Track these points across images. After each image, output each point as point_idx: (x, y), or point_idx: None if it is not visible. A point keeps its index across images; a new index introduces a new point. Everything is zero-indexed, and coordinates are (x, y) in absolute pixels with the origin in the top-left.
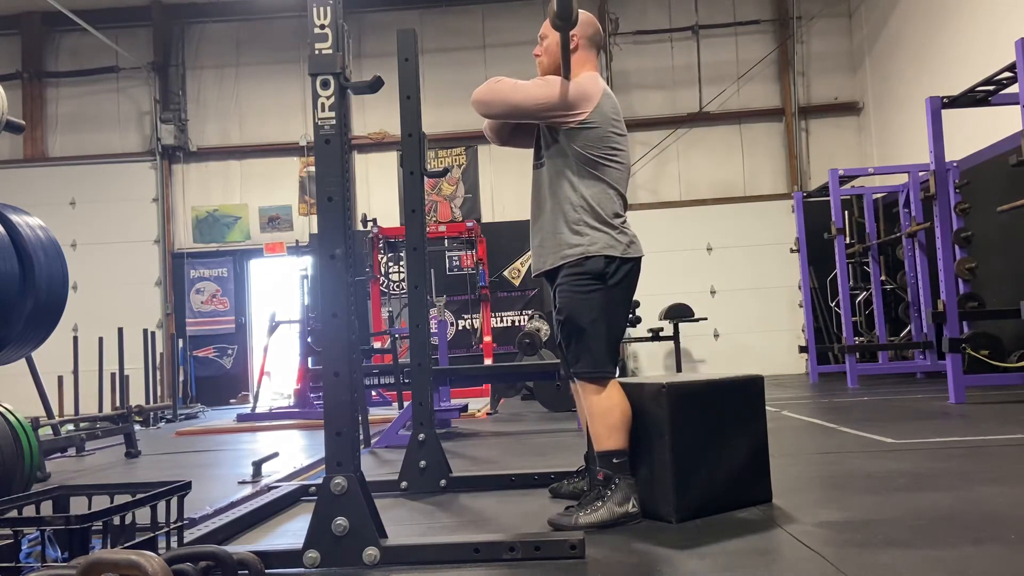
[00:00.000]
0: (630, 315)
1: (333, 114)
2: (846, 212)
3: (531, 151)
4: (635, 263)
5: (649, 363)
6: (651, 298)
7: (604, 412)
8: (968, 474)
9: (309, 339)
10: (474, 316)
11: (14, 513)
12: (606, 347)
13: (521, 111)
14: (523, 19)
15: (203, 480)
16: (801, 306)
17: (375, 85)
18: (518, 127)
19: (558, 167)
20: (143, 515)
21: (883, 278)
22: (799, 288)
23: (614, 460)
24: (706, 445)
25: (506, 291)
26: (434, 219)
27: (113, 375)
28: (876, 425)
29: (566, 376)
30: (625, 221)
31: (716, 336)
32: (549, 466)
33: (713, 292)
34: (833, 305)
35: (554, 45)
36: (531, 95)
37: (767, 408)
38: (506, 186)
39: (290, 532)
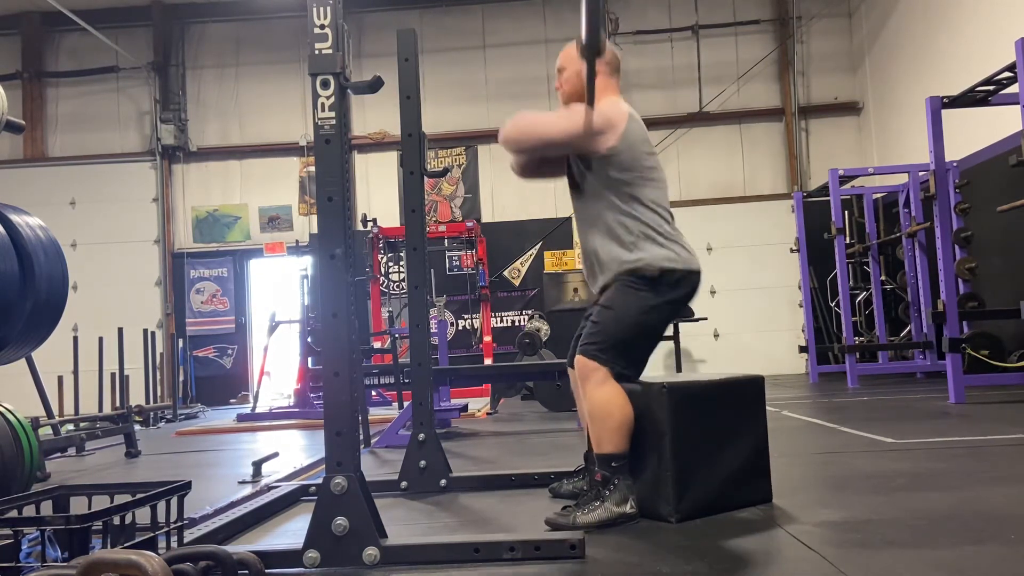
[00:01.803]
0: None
1: (333, 114)
2: (846, 212)
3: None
4: (695, 276)
5: (649, 363)
6: None
7: (605, 415)
8: (968, 474)
9: (309, 339)
10: (474, 316)
11: (14, 513)
12: (630, 348)
13: (551, 144)
14: (523, 19)
15: (203, 480)
16: (801, 306)
17: (375, 85)
18: (546, 159)
19: (598, 194)
20: (143, 515)
21: (883, 278)
22: (799, 288)
23: (613, 464)
24: (706, 445)
25: (506, 291)
26: (434, 219)
27: (113, 375)
28: (876, 425)
29: (568, 363)
30: (680, 234)
31: (716, 336)
32: (549, 466)
33: (713, 292)
34: (833, 305)
35: (574, 76)
36: (559, 128)
37: (767, 408)
38: (506, 186)
39: (290, 532)
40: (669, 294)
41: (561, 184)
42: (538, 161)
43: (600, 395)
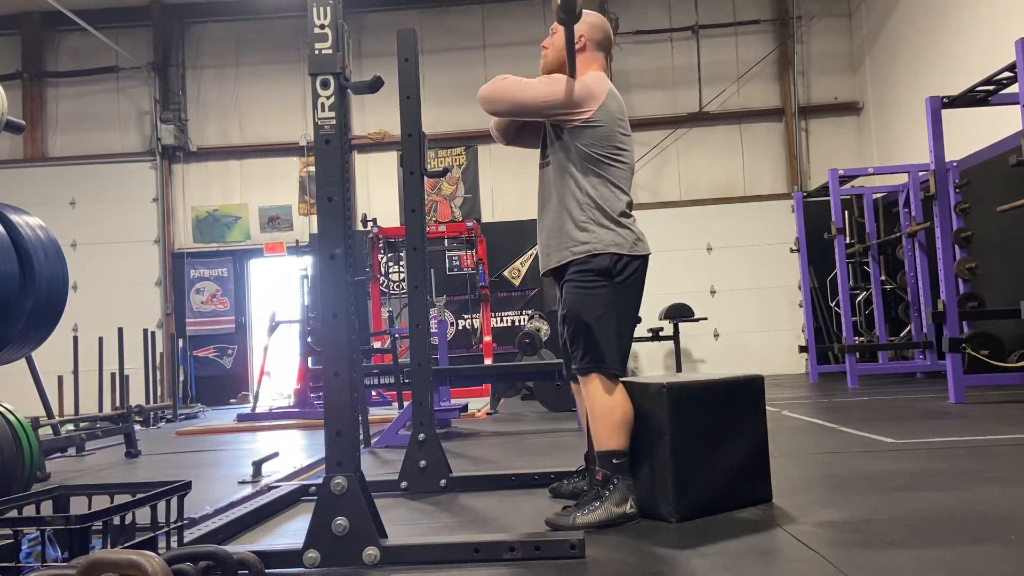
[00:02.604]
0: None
1: (333, 114)
2: (846, 212)
3: (534, 152)
4: (642, 261)
5: (649, 363)
6: (651, 298)
7: (606, 412)
8: (968, 474)
9: (309, 339)
10: (474, 316)
11: (14, 513)
12: (614, 344)
13: (526, 108)
14: (523, 19)
15: (203, 480)
16: (801, 306)
17: (375, 85)
18: (524, 126)
19: (563, 165)
20: (143, 515)
21: (883, 278)
22: (799, 288)
23: (614, 460)
24: (706, 445)
25: (506, 291)
26: (434, 219)
27: (113, 375)
28: (876, 425)
29: (568, 376)
30: (632, 219)
31: (716, 336)
32: (549, 466)
33: (713, 292)
34: (833, 305)
35: (561, 40)
36: (536, 92)
37: (767, 408)
38: (506, 186)
39: (290, 532)
40: (621, 277)
41: None
42: (516, 127)
43: (601, 395)
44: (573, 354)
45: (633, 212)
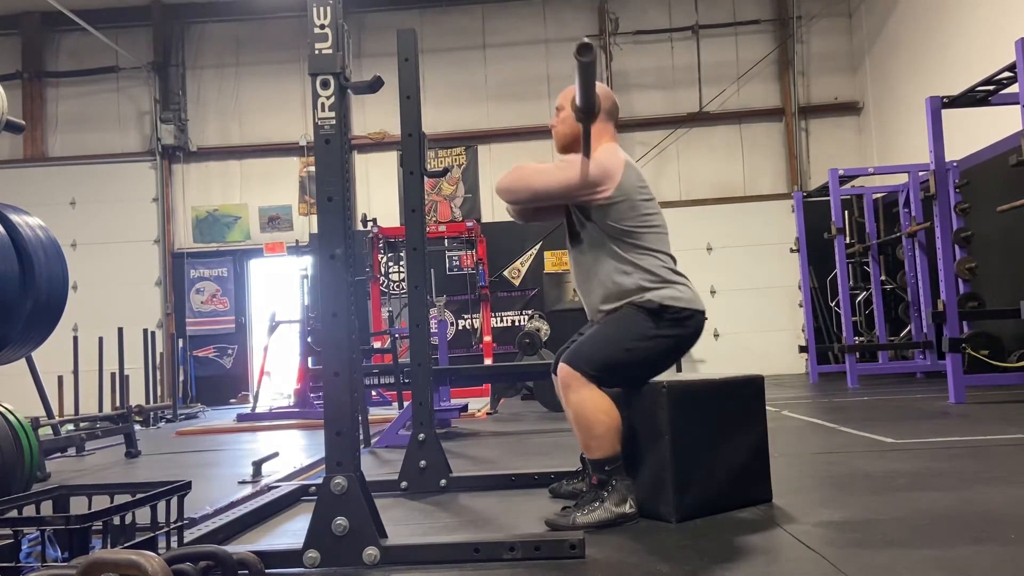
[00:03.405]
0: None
1: (333, 114)
2: (846, 212)
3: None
4: (698, 316)
5: None
6: None
7: (588, 425)
8: (968, 474)
9: (309, 339)
10: (474, 316)
11: (14, 513)
12: (619, 368)
13: (546, 196)
14: (523, 19)
15: (203, 480)
16: (801, 306)
17: (375, 85)
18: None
19: (597, 245)
20: (143, 515)
21: (883, 278)
22: (799, 288)
23: (606, 467)
24: (706, 445)
25: (506, 291)
26: (434, 219)
27: (113, 375)
28: (876, 425)
29: (552, 368)
30: (685, 278)
31: (716, 336)
32: (549, 466)
33: (713, 292)
34: (833, 305)
35: (571, 118)
36: (554, 179)
37: (767, 408)
38: None
39: (290, 532)
40: (670, 329)
41: None
42: (534, 208)
43: (581, 402)
44: (578, 353)
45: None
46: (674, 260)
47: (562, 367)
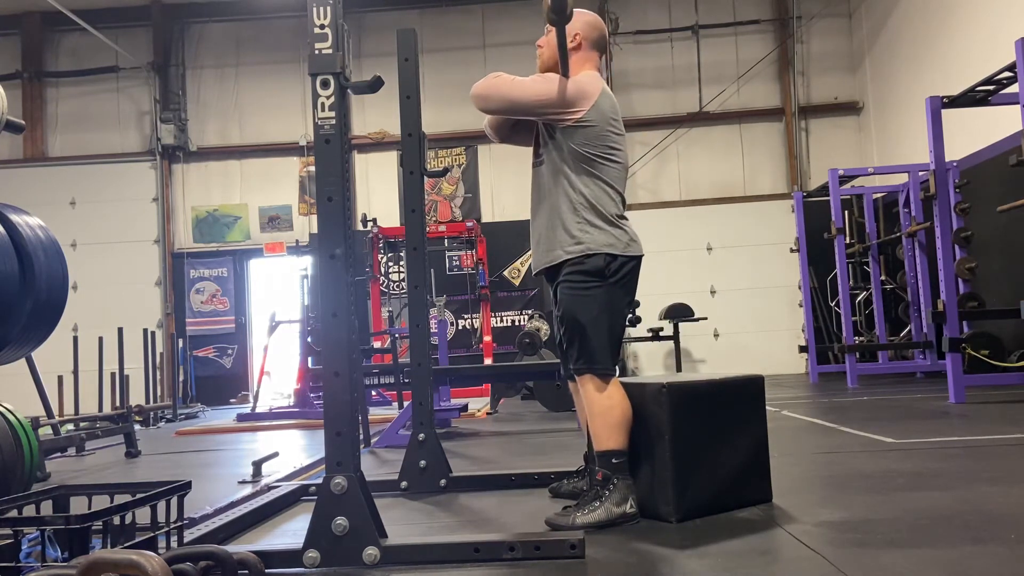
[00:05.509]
0: (630, 314)
1: (333, 114)
2: (846, 212)
3: (531, 150)
4: (635, 261)
5: (649, 363)
6: (651, 298)
7: (604, 411)
8: (968, 474)
9: (309, 339)
10: (474, 316)
11: (14, 513)
12: (607, 344)
13: (519, 107)
14: (523, 19)
15: (203, 480)
16: (801, 306)
17: (375, 85)
18: (517, 124)
19: (556, 165)
20: (143, 515)
21: (883, 278)
22: (799, 288)
23: (613, 460)
24: (706, 445)
25: (506, 291)
26: (434, 219)
27: (113, 375)
28: (876, 425)
29: (566, 375)
30: (625, 219)
31: (716, 336)
32: (549, 466)
33: (713, 292)
34: (833, 305)
35: (555, 39)
36: (529, 91)
37: (767, 408)
38: (506, 186)
39: (290, 532)
40: (615, 278)
41: None
42: (510, 125)
43: (597, 395)
44: (568, 354)
45: (627, 212)
46: (624, 201)
47: (579, 381)
